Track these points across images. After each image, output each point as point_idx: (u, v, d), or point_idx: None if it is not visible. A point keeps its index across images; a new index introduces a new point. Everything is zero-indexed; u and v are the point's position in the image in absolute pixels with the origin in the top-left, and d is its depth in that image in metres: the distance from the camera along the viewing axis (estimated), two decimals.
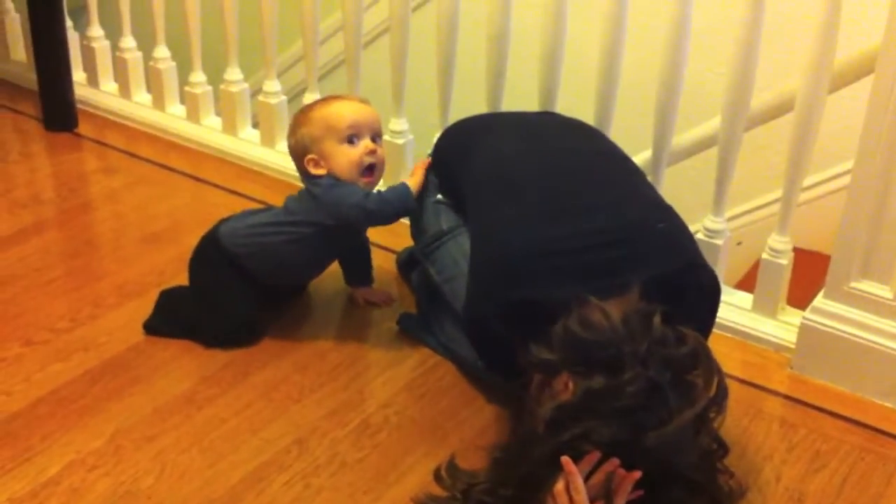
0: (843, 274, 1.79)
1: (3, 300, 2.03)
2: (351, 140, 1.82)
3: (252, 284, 1.90)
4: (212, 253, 1.91)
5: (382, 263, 2.17)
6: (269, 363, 1.87)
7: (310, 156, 1.82)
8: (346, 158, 1.81)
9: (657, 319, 1.42)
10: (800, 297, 2.00)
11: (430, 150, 2.09)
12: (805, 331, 1.85)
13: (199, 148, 2.69)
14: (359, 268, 2.05)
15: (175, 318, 1.94)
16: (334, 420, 1.73)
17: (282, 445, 1.67)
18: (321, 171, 1.82)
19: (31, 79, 2.86)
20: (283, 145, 2.57)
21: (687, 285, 1.57)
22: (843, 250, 1.78)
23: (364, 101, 1.89)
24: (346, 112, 1.83)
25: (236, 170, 2.59)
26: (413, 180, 1.92)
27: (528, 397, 1.52)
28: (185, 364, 1.86)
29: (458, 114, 2.12)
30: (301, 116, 1.87)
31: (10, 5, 3.02)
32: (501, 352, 1.58)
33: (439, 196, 1.93)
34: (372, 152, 1.82)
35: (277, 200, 1.95)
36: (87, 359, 1.86)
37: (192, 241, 2.12)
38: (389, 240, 2.24)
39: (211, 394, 1.78)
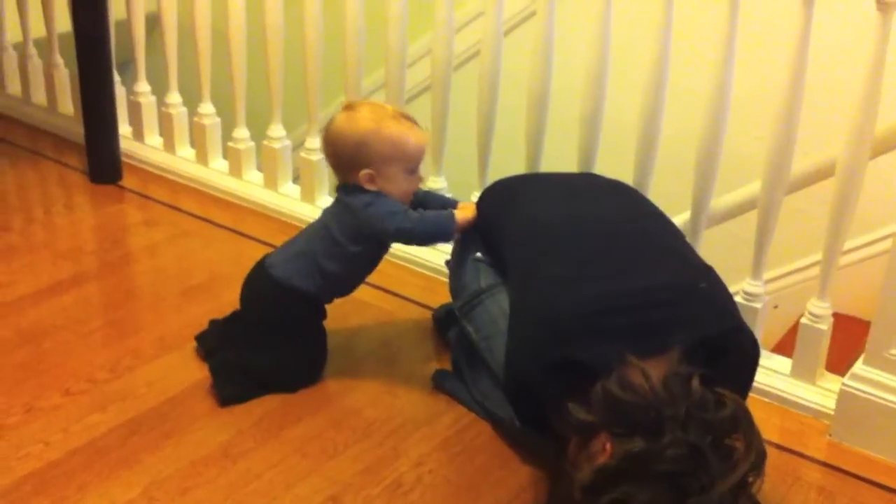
0: (883, 340, 1.77)
1: (43, 350, 2.05)
2: (413, 171, 1.85)
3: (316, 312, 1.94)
4: (271, 292, 1.91)
5: (419, 319, 2.18)
6: (304, 418, 1.87)
7: (367, 171, 1.82)
8: (404, 187, 1.86)
9: (696, 382, 1.41)
10: (838, 362, 1.98)
11: None
12: (844, 398, 1.83)
13: (240, 202, 2.72)
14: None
15: (242, 377, 1.92)
16: (368, 477, 1.73)
17: (316, 502, 1.67)
18: (372, 188, 1.83)
19: (77, 132, 2.92)
20: (322, 201, 2.60)
21: (727, 348, 1.57)
22: (883, 317, 1.76)
23: (414, 121, 1.89)
24: (420, 143, 1.85)
25: (277, 224, 2.61)
26: (462, 213, 1.92)
27: (566, 459, 1.51)
28: (221, 417, 1.86)
29: (497, 173, 2.13)
30: (368, 119, 1.82)
31: (59, 60, 3.08)
32: (539, 411, 1.57)
33: (478, 254, 1.93)
34: (419, 179, 1.89)
35: None
36: (125, 410, 1.87)
37: (232, 294, 2.14)
38: (427, 297, 2.25)
39: (246, 447, 1.78)
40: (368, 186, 1.83)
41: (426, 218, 1.87)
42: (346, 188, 1.87)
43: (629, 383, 1.42)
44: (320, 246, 1.90)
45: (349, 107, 1.88)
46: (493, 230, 1.90)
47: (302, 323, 1.93)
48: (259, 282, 1.95)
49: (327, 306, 1.97)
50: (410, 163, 1.85)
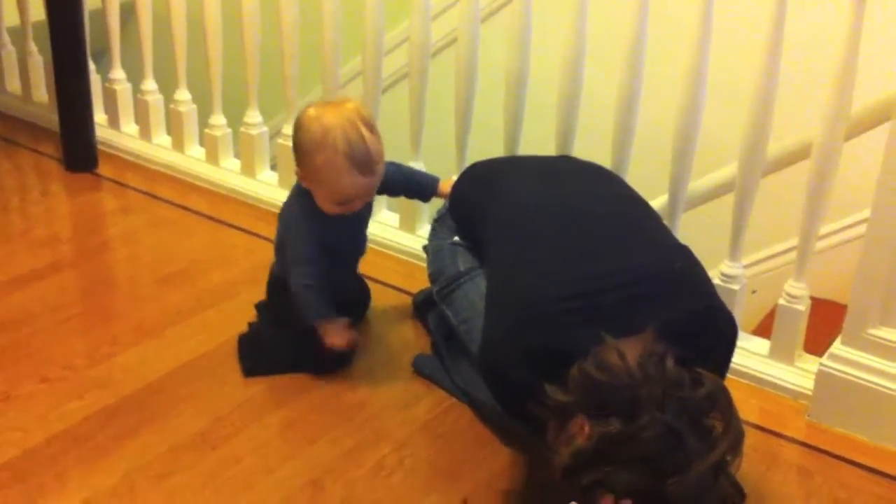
0: (860, 320, 1.79)
1: (20, 337, 2.04)
2: (342, 204, 1.81)
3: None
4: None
5: (398, 305, 2.17)
6: (284, 403, 1.86)
7: (299, 171, 1.82)
8: (327, 206, 1.82)
9: (671, 361, 1.41)
10: (815, 346, 1.99)
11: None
12: (822, 377, 1.84)
13: (217, 189, 2.71)
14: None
15: (270, 356, 1.94)
16: (349, 461, 1.73)
17: (296, 486, 1.67)
18: (305, 186, 1.83)
19: (52, 120, 2.90)
20: None
21: (704, 327, 1.57)
22: (860, 297, 1.78)
23: (371, 139, 1.76)
24: (346, 187, 1.77)
25: (254, 211, 2.60)
26: (328, 335, 1.87)
27: (545, 442, 1.52)
28: (200, 403, 1.85)
29: (475, 158, 2.13)
30: (313, 139, 1.76)
31: (33, 47, 3.05)
32: (517, 395, 1.57)
33: (456, 238, 1.93)
34: (351, 208, 1.83)
35: None
36: (103, 397, 1.86)
37: (210, 280, 2.14)
38: (406, 282, 2.25)
39: (226, 433, 1.78)
40: (300, 178, 1.82)
41: (311, 297, 1.82)
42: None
43: (605, 364, 1.42)
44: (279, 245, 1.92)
45: (324, 105, 1.81)
46: (470, 213, 1.89)
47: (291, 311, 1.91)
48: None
49: None
50: (331, 198, 1.80)
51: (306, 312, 1.84)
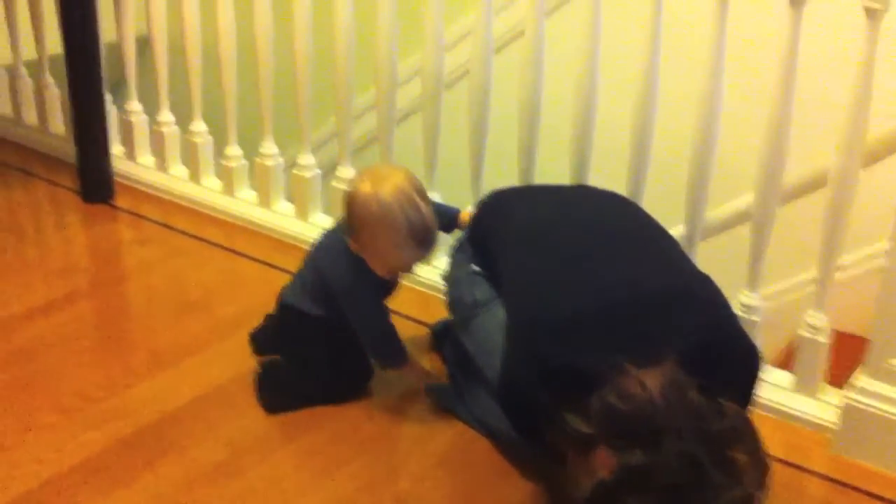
0: (882, 351, 1.77)
1: (37, 368, 2.03)
2: (394, 273, 1.85)
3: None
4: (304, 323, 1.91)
5: (415, 336, 2.16)
6: (302, 435, 1.85)
7: (353, 243, 1.80)
8: (382, 272, 1.83)
9: (695, 392, 1.40)
10: (836, 378, 1.97)
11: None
12: (848, 410, 1.82)
13: (233, 220, 2.71)
14: None
15: (288, 391, 1.94)
16: (367, 494, 1.71)
17: None
18: (356, 252, 1.82)
19: (69, 151, 2.91)
20: (315, 218, 2.61)
21: (725, 355, 1.55)
22: (882, 326, 1.76)
23: (427, 211, 1.77)
24: (406, 261, 1.82)
25: (270, 242, 2.61)
26: (407, 373, 1.95)
27: (565, 472, 1.50)
28: (218, 434, 1.84)
29: (490, 188, 2.12)
30: (372, 216, 1.75)
31: (50, 80, 3.07)
32: (534, 416, 1.56)
33: (475, 267, 1.93)
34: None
35: None
36: (120, 427, 1.85)
37: (226, 311, 2.13)
38: (422, 313, 2.24)
39: (244, 464, 1.77)
40: (353, 248, 1.81)
41: (387, 337, 1.89)
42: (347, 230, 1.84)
43: (627, 394, 1.41)
44: (311, 283, 1.90)
45: (375, 177, 1.79)
46: (489, 239, 1.89)
47: (309, 342, 1.92)
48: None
49: None
50: (386, 269, 1.83)
51: (395, 360, 1.91)
